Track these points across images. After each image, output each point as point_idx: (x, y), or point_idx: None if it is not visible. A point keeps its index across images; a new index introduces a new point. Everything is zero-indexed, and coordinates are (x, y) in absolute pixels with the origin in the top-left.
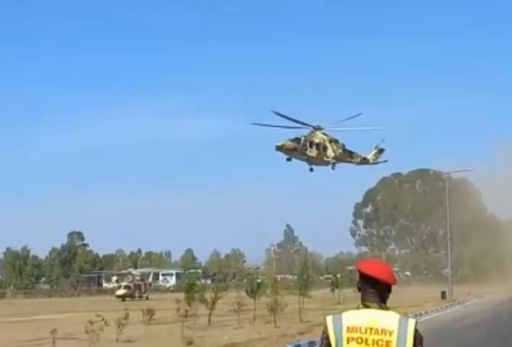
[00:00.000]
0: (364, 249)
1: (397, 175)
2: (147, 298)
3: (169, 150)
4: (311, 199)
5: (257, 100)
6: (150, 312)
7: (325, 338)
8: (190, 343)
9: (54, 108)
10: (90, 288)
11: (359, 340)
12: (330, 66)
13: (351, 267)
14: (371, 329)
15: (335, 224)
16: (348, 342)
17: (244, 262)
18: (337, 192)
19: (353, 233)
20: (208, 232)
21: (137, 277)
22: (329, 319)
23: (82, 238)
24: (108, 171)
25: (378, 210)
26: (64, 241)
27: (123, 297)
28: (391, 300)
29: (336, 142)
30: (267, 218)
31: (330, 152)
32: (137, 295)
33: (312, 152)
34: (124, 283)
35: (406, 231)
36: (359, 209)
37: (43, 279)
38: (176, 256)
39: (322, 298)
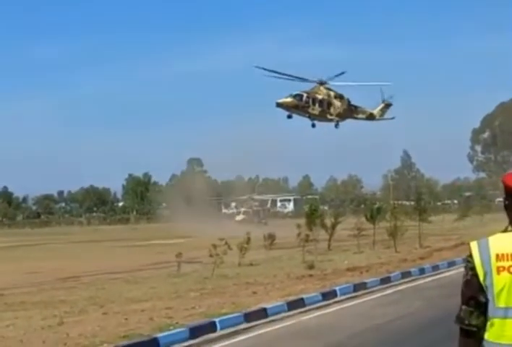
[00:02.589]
0: (482, 174)
1: None
2: (265, 224)
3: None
4: (428, 125)
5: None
6: (270, 237)
7: (471, 269)
8: (311, 266)
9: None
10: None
11: (511, 270)
12: None
13: (468, 193)
14: None
15: (452, 150)
16: (498, 272)
17: (362, 187)
18: (454, 117)
19: (470, 159)
20: (324, 158)
21: (256, 203)
22: (474, 246)
23: (201, 165)
24: (226, 98)
25: (496, 135)
26: (184, 167)
27: (242, 223)
28: None
29: (341, 97)
30: (384, 144)
31: (334, 110)
32: (255, 220)
33: (315, 110)
34: (243, 209)
35: None
36: (476, 134)
37: (164, 205)
38: (293, 182)
39: (441, 223)
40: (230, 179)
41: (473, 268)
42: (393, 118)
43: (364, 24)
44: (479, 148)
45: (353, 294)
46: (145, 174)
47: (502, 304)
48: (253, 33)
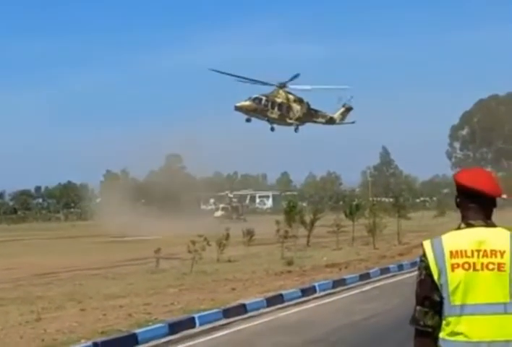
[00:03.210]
0: None
1: (494, 97)
2: (244, 220)
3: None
4: (407, 122)
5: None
6: (249, 233)
7: (424, 268)
8: (290, 263)
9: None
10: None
11: (466, 266)
12: None
13: (446, 190)
14: (478, 251)
15: (431, 147)
16: (453, 269)
17: (340, 184)
18: (433, 114)
19: (449, 156)
20: (304, 155)
21: (234, 200)
22: (427, 245)
23: (180, 161)
24: (204, 95)
25: (475, 132)
26: (162, 163)
27: (221, 219)
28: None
29: (301, 101)
30: (363, 141)
31: (293, 114)
32: (234, 217)
33: (274, 114)
34: (221, 205)
35: (503, 154)
36: (455, 131)
37: (143, 201)
38: (272, 179)
39: (420, 220)
40: (209, 175)
41: (427, 267)
42: (353, 122)
43: (348, 20)
44: (457, 145)
45: (332, 290)
46: (123, 170)
47: (457, 302)
48: (235, 30)
